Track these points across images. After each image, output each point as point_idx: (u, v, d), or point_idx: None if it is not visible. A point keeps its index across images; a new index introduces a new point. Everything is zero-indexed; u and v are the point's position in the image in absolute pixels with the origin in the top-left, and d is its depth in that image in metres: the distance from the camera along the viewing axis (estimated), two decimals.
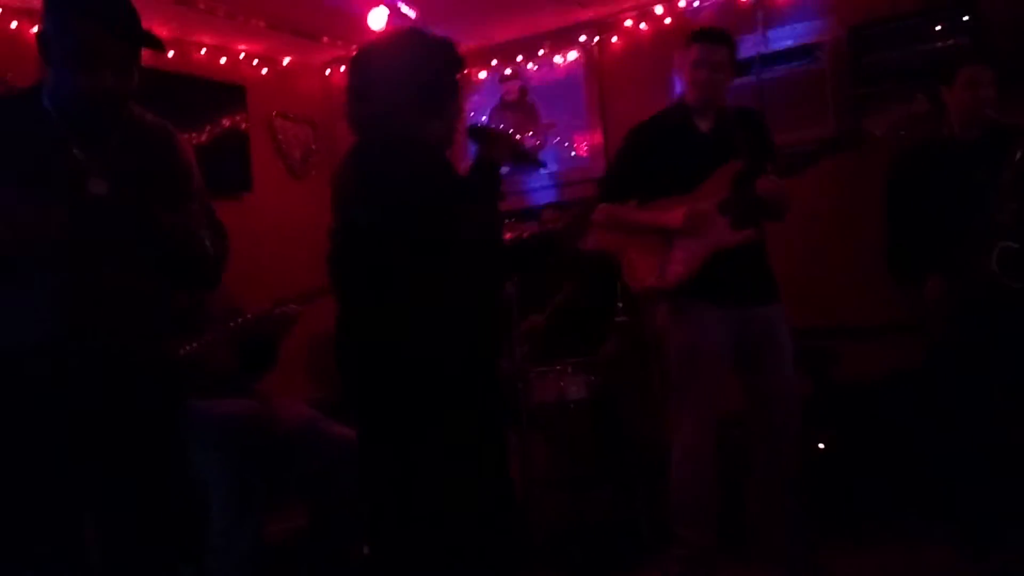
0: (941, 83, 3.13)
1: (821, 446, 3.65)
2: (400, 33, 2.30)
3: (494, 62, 5.24)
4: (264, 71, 5.22)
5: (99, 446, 1.87)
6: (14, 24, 4.11)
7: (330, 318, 2.22)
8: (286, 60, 5.32)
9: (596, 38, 4.92)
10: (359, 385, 2.19)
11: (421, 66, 2.18)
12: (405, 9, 4.07)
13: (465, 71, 2.37)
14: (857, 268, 4.10)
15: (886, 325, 3.98)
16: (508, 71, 5.22)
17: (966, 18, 3.83)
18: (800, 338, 3.27)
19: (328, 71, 5.62)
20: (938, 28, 3.89)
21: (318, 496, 3.15)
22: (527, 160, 2.58)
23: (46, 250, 1.80)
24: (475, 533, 2.14)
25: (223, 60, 5.00)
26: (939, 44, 3.88)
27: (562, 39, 5.00)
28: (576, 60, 5.00)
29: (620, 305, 3.76)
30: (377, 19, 4.14)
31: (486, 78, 5.27)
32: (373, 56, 2.26)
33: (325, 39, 5.08)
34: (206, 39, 4.85)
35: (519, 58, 5.17)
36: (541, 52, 5.06)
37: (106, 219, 1.87)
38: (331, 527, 3.09)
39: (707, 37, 3.11)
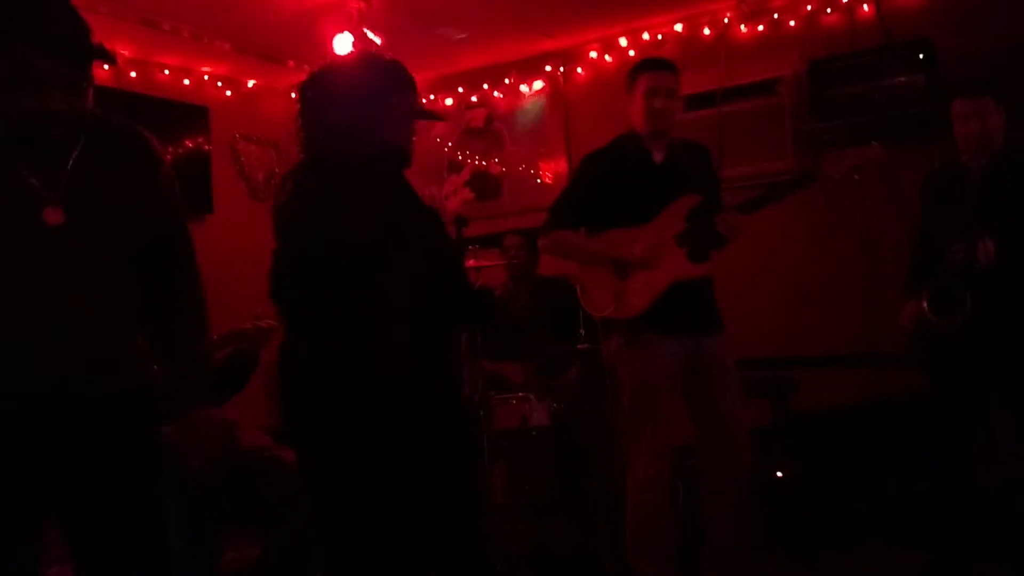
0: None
1: (780, 475, 3.66)
2: (347, 57, 2.31)
3: (460, 89, 5.27)
4: (228, 93, 5.20)
5: (70, 478, 1.79)
6: None
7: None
8: (251, 83, 5.31)
9: (561, 68, 4.97)
10: (295, 403, 2.17)
11: (367, 87, 2.19)
12: (371, 35, 4.06)
13: (418, 95, 2.35)
14: (814, 298, 4.16)
15: (844, 355, 4.04)
16: (474, 98, 5.25)
17: (921, 56, 3.93)
18: (759, 367, 3.29)
19: (293, 94, 5.59)
20: (894, 65, 3.99)
21: (271, 524, 3.09)
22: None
23: (6, 284, 1.70)
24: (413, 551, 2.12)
25: (186, 81, 4.97)
26: (895, 80, 3.97)
27: (528, 68, 5.05)
28: (542, 89, 5.05)
29: (582, 332, 3.76)
30: (342, 44, 4.13)
31: (452, 105, 5.30)
32: (320, 80, 2.27)
33: (291, 63, 5.08)
34: (170, 60, 4.82)
35: (485, 86, 5.21)
36: (507, 80, 5.10)
37: (64, 248, 1.75)
38: (283, 556, 3.04)
39: (658, 65, 3.06)
